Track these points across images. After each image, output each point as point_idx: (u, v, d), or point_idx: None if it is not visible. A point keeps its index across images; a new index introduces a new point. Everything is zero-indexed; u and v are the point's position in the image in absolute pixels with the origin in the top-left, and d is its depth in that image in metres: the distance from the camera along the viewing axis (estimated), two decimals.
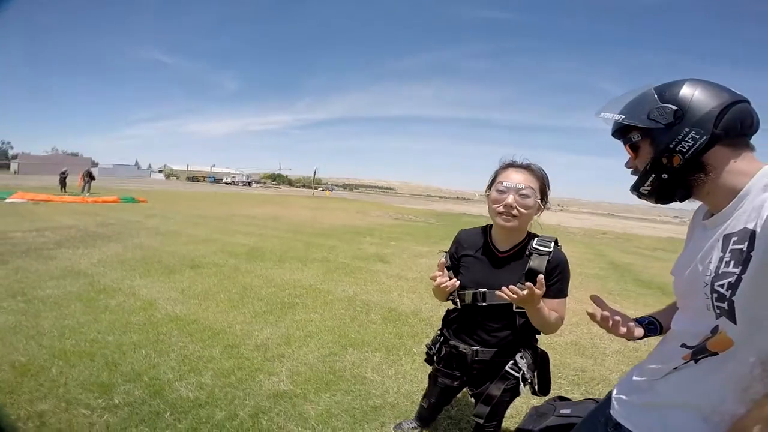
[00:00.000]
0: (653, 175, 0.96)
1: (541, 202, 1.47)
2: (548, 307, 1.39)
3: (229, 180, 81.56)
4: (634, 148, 0.99)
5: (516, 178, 1.43)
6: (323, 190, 73.95)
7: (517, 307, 1.44)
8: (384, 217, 18.99)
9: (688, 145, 0.89)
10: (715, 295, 0.86)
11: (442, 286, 1.43)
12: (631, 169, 1.03)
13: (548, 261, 1.43)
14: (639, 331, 1.16)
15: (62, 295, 4.01)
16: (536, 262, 1.43)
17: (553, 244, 1.48)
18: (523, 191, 1.40)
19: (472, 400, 1.77)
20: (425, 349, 1.80)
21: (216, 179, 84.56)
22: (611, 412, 1.10)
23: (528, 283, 1.26)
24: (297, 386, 2.54)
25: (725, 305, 0.84)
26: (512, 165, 1.49)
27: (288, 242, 8.68)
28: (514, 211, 1.40)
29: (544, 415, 1.95)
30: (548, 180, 1.50)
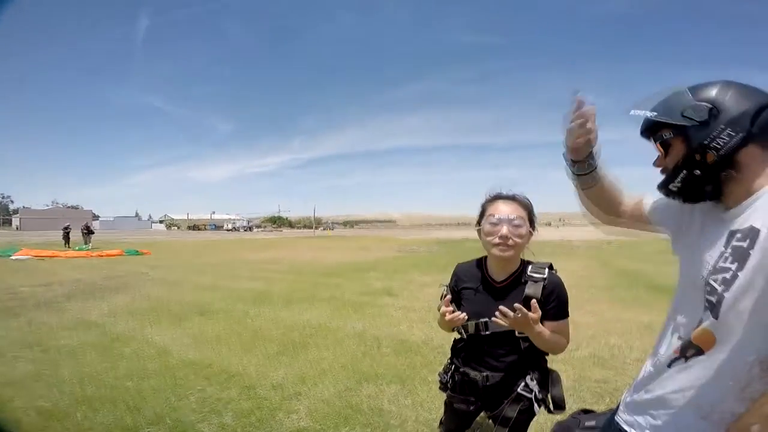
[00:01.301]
0: (685, 171, 0.95)
1: (531, 229, 1.54)
2: (551, 330, 1.46)
3: (230, 226, 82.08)
4: (665, 146, 0.99)
5: (506, 210, 1.49)
6: (324, 229, 74.16)
7: (519, 333, 1.49)
8: (387, 250, 19.07)
9: (723, 142, 0.89)
10: (708, 288, 0.90)
11: (451, 320, 1.50)
12: (659, 168, 1.02)
13: (544, 287, 1.48)
14: (591, 142, 1.11)
15: (77, 344, 4.09)
16: (532, 289, 1.48)
17: (547, 269, 1.55)
18: (515, 221, 1.46)
19: (490, 422, 1.82)
20: (438, 378, 1.85)
21: (217, 226, 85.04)
22: (616, 417, 1.12)
23: (517, 305, 1.33)
24: (316, 422, 2.58)
25: (714, 299, 0.87)
26: (499, 197, 1.56)
27: (294, 284, 8.74)
28: (510, 242, 1.46)
29: (568, 429, 1.98)
30: (533, 207, 1.59)
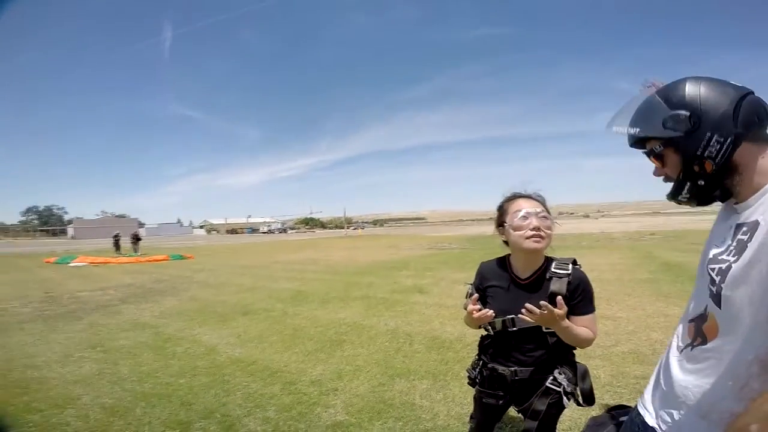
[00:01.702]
0: (689, 183, 0.95)
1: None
2: (578, 325, 1.50)
3: (266, 229, 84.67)
4: (658, 157, 0.99)
5: (529, 205, 1.55)
6: (355, 228, 74.99)
7: (546, 328, 1.53)
8: (417, 248, 19.12)
9: (715, 150, 0.89)
10: (710, 278, 0.93)
11: (479, 317, 1.55)
12: (661, 177, 1.03)
13: (569, 282, 1.52)
14: None
15: (134, 344, 4.47)
16: (557, 286, 1.51)
17: (570, 265, 1.57)
18: (542, 214, 1.52)
19: (520, 415, 1.87)
20: (467, 373, 1.90)
21: (253, 230, 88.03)
22: (638, 404, 1.15)
23: (543, 302, 1.38)
24: (352, 416, 2.73)
25: (714, 289, 0.89)
26: (520, 195, 1.62)
27: (328, 283, 9.00)
28: (542, 233, 1.50)
29: (603, 425, 1.99)
30: (546, 203, 1.63)
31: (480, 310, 1.56)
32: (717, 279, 0.89)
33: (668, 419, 0.98)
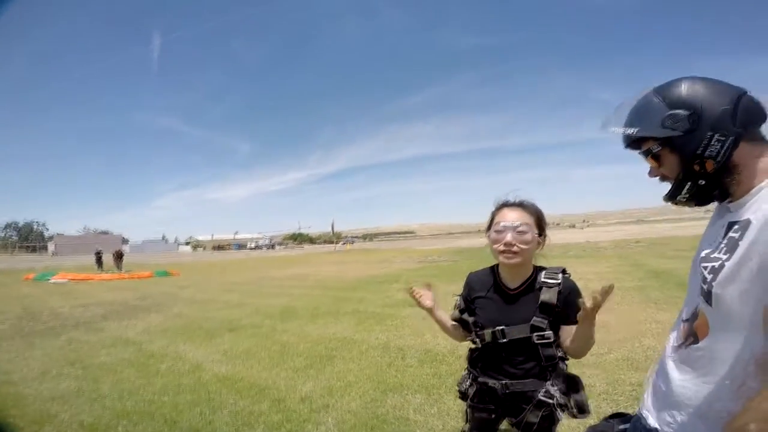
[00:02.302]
0: (689, 183, 0.95)
1: (540, 235, 1.55)
2: (572, 334, 1.48)
3: (253, 245, 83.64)
4: (655, 157, 0.98)
5: (511, 217, 1.51)
6: (344, 243, 74.62)
7: (537, 339, 1.51)
8: (408, 262, 19.05)
9: (716, 149, 0.88)
10: (701, 276, 0.93)
11: (418, 299, 1.64)
12: (656, 177, 1.02)
13: (559, 292, 1.49)
14: None
15: (115, 361, 4.30)
16: (548, 295, 1.49)
17: (560, 274, 1.54)
18: (520, 228, 1.48)
19: (514, 429, 1.82)
20: (457, 387, 1.83)
21: (240, 246, 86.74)
22: (640, 409, 1.12)
23: (581, 300, 1.32)
24: None
25: (705, 287, 0.89)
26: (506, 204, 1.58)
27: (318, 299, 8.86)
28: (515, 248, 1.47)
29: None
30: (542, 213, 1.60)
31: (423, 296, 1.66)
32: (709, 277, 0.89)
33: (670, 420, 0.97)
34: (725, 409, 0.85)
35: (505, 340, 1.54)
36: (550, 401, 1.54)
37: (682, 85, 0.93)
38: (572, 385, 1.62)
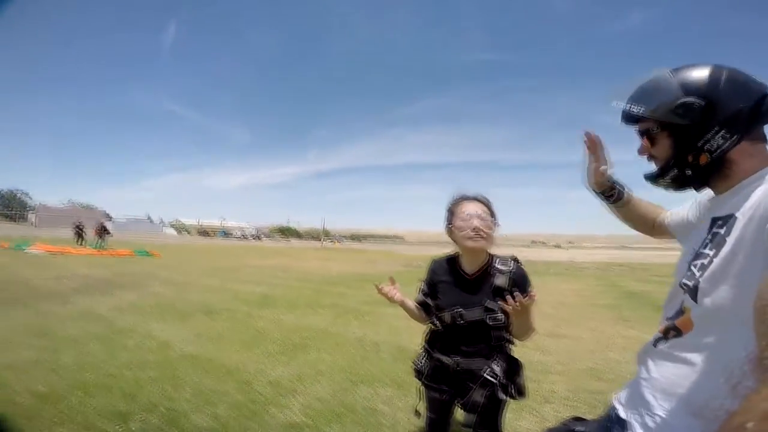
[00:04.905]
0: (676, 170, 0.93)
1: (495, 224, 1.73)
2: None
3: (239, 234, 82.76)
4: (651, 138, 0.95)
5: (473, 207, 1.67)
6: (331, 241, 74.28)
7: (490, 321, 1.63)
8: (392, 264, 19.02)
9: (717, 145, 0.86)
10: (688, 273, 0.91)
11: (387, 294, 1.74)
12: (644, 156, 1.00)
13: (510, 278, 1.63)
14: (606, 175, 1.22)
15: (82, 335, 4.15)
16: (500, 280, 1.63)
17: (512, 262, 1.69)
18: (483, 215, 1.63)
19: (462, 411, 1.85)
20: (413, 365, 1.95)
21: (226, 233, 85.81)
22: (613, 405, 1.09)
23: (518, 295, 1.44)
24: (309, 418, 2.58)
25: (692, 284, 0.88)
26: (465, 198, 1.73)
27: (298, 290, 8.76)
28: (482, 233, 1.61)
29: None
30: (491, 205, 1.76)
31: (390, 291, 1.79)
32: (697, 274, 0.87)
33: (644, 412, 0.94)
34: (722, 407, 0.83)
35: (462, 322, 1.67)
36: (494, 380, 1.65)
37: (705, 73, 0.87)
38: (514, 367, 1.74)
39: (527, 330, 1.61)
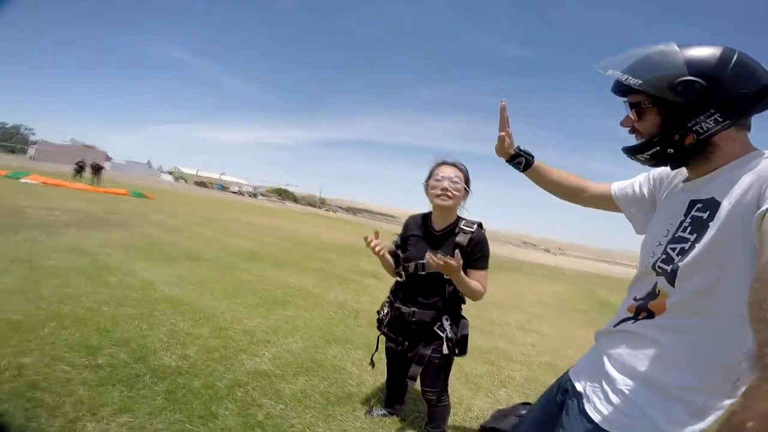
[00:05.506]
0: (658, 148, 0.90)
1: (466, 190, 1.86)
2: (472, 278, 1.74)
3: (236, 189, 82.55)
4: (639, 112, 0.92)
5: (448, 171, 1.83)
6: (327, 210, 74.33)
7: (447, 277, 1.72)
8: (383, 241, 19.07)
9: (707, 127, 0.84)
10: (664, 256, 0.89)
11: (374, 247, 1.80)
12: (627, 128, 0.97)
13: (471, 238, 1.77)
14: (508, 142, 1.33)
15: (66, 267, 4.16)
16: (461, 239, 1.77)
17: (476, 226, 1.82)
18: (454, 179, 1.80)
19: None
20: (377, 315, 2.08)
21: (223, 187, 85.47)
22: (568, 374, 1.11)
23: (440, 255, 1.56)
24: (277, 368, 2.63)
25: (668, 268, 0.86)
26: (445, 162, 1.89)
27: (288, 251, 8.82)
28: (449, 193, 1.78)
29: (506, 416, 2.10)
30: (468, 172, 1.91)
31: (377, 245, 1.82)
32: (676, 258, 0.85)
33: (606, 387, 0.94)
34: (722, 406, 0.83)
35: (423, 273, 1.82)
36: (442, 334, 1.80)
37: (715, 55, 0.83)
38: (461, 325, 1.88)
39: (466, 290, 1.75)
